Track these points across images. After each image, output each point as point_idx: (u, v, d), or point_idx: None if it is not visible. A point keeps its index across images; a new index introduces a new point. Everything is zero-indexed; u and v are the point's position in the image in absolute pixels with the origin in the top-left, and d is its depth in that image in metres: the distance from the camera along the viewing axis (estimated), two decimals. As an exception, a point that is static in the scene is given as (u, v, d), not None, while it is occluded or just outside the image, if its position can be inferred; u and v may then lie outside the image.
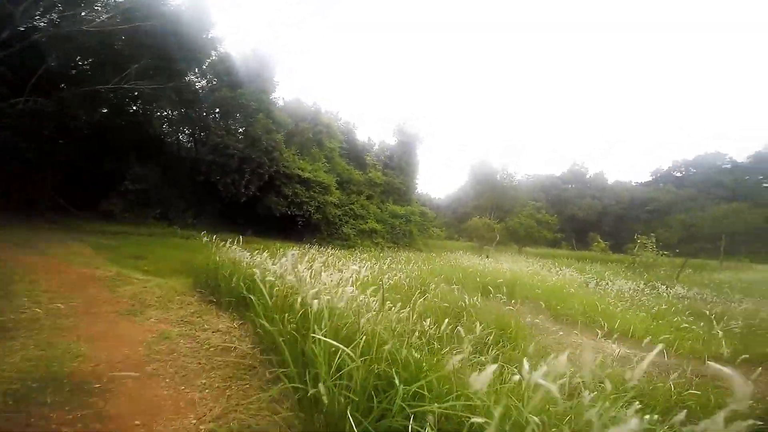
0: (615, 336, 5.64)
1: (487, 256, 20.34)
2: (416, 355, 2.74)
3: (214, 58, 22.79)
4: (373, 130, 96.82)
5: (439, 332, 3.79)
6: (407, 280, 8.49)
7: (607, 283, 14.28)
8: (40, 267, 8.09)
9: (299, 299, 3.07)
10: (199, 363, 3.56)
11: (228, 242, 6.28)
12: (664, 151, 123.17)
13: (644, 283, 14.52)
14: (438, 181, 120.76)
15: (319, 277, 3.72)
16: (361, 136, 37.49)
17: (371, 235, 25.67)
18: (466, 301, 6.62)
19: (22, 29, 14.80)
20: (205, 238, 6.55)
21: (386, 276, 7.60)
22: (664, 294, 12.89)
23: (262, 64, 23.94)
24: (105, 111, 20.61)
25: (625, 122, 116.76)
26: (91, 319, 4.46)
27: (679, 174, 72.14)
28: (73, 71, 18.61)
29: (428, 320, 4.18)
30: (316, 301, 2.85)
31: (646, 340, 4.07)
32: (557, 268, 17.26)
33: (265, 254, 5.71)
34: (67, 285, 5.83)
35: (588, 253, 38.20)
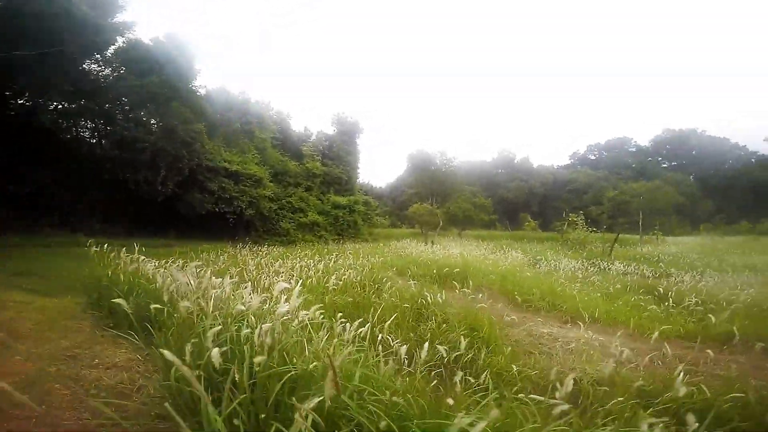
0: (584, 323, 5.58)
1: (433, 242, 20.48)
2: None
3: (121, 44, 19.82)
4: (309, 120, 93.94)
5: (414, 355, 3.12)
6: (358, 277, 7.90)
7: (552, 263, 14.96)
8: None
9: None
10: (80, 420, 2.65)
11: (124, 250, 5.08)
12: (581, 137, 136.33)
13: (585, 261, 15.49)
14: (378, 170, 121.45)
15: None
16: (297, 126, 35.87)
17: (313, 228, 24.59)
18: (428, 298, 6.20)
19: None
20: (93, 247, 5.26)
21: (333, 276, 6.93)
22: (608, 271, 13.73)
23: (178, 50, 21.34)
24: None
25: (548, 110, 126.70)
26: None
27: (593, 157, 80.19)
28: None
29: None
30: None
31: (654, 336, 3.89)
32: (502, 251, 17.84)
33: (179, 262, 4.74)
34: None
35: (521, 233, 40.76)
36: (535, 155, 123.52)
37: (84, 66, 19.24)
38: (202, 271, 3.73)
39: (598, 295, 9.58)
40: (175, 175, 18.80)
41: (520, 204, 59.74)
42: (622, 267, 14.67)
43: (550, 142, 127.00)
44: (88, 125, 21.90)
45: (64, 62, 16.62)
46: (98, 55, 19.51)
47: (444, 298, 6.43)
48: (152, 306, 2.85)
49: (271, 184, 23.50)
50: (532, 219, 45.87)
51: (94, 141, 21.97)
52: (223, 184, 20.20)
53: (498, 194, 57.94)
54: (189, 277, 2.91)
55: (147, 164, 18.24)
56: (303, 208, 25.16)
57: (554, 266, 14.50)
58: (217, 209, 19.84)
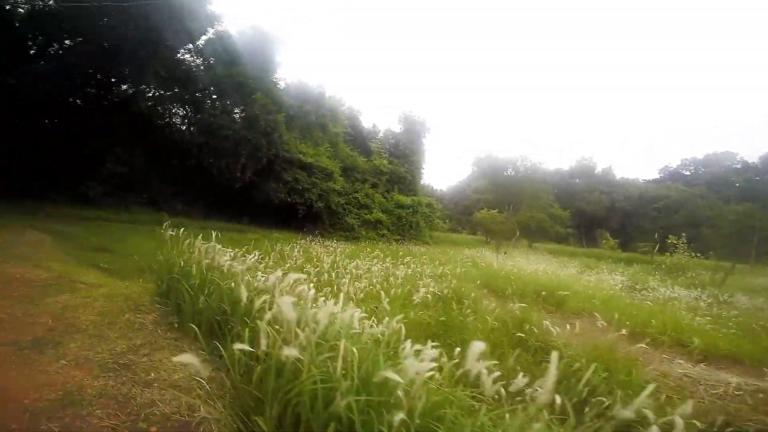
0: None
1: (505, 253, 18.63)
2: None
3: (211, 35, 20.78)
4: (377, 117, 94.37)
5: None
6: (445, 290, 6.71)
7: (660, 290, 12.57)
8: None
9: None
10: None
11: (200, 238, 4.33)
12: (673, 149, 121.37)
13: (699, 290, 12.81)
14: (440, 172, 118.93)
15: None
16: (366, 122, 35.55)
17: (376, 226, 23.88)
18: (554, 329, 4.86)
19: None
20: (169, 231, 4.62)
21: (421, 287, 5.81)
22: (730, 303, 11.20)
23: (263, 42, 21.89)
24: (91, 89, 18.73)
25: (635, 118, 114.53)
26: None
27: (687, 172, 70.53)
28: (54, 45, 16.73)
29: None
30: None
31: None
32: (590, 270, 15.54)
33: (255, 255, 3.91)
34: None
35: (597, 250, 36.62)
36: (619, 166, 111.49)
37: (178, 54, 20.44)
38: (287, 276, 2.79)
39: (731, 331, 7.62)
40: (255, 163, 19.11)
41: (599, 218, 54.23)
42: (746, 300, 11.91)
43: (636, 153, 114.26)
44: (180, 112, 23.32)
45: (160, 49, 17.62)
46: (191, 45, 20.58)
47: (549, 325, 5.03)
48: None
49: (341, 178, 23.15)
50: (610, 237, 41.11)
51: (184, 127, 23.36)
52: (297, 175, 20.19)
53: (574, 206, 52.97)
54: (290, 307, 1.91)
55: (229, 152, 18.74)
56: (368, 204, 24.56)
57: (664, 293, 12.12)
58: (289, 200, 19.87)
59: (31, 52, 16.31)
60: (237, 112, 21.50)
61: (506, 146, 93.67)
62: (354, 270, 7.20)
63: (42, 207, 14.37)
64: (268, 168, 19.99)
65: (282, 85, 24.81)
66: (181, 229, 4.98)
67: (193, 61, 21.53)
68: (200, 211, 19.55)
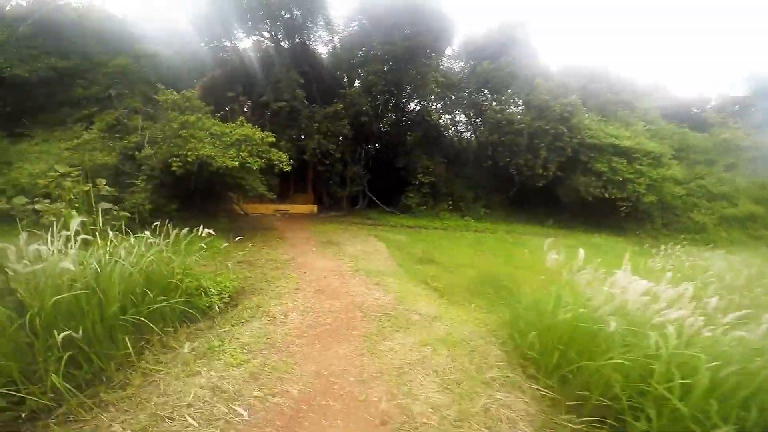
0: None
1: None
2: None
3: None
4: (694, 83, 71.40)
5: None
6: None
7: None
8: (299, 265, 7.20)
9: None
10: None
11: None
12: None
13: None
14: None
15: None
16: (678, 93, 26.47)
17: (745, 223, 15.94)
18: None
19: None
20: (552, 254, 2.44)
21: None
22: None
23: (515, 32, 19.49)
24: (391, 114, 21.58)
25: None
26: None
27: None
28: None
29: None
30: None
31: None
32: None
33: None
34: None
35: None
36: None
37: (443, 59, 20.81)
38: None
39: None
40: (556, 156, 16.43)
41: None
42: None
43: None
44: (462, 118, 23.92)
45: (433, 57, 18.07)
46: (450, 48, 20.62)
47: None
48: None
49: (673, 161, 16.94)
50: None
51: (470, 132, 23.83)
52: (614, 164, 15.95)
53: None
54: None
55: (525, 147, 16.89)
56: (727, 194, 16.85)
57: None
58: (606, 194, 15.85)
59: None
60: (521, 104, 19.64)
61: None
62: None
63: (379, 217, 16.73)
64: (572, 160, 16.74)
65: (553, 68, 21.36)
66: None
67: (458, 63, 21.60)
68: (499, 214, 18.53)
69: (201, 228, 4.98)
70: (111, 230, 4.39)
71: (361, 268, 7.48)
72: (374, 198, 18.41)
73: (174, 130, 8.68)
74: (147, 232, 4.50)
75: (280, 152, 10.06)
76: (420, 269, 8.04)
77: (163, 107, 9.32)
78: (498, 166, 18.32)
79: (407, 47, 15.57)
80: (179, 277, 4.41)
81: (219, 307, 4.59)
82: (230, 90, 12.70)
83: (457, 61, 21.97)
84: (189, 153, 8.35)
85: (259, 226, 12.07)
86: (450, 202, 18.51)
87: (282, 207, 16.16)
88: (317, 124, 14.41)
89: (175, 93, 9.19)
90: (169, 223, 9.42)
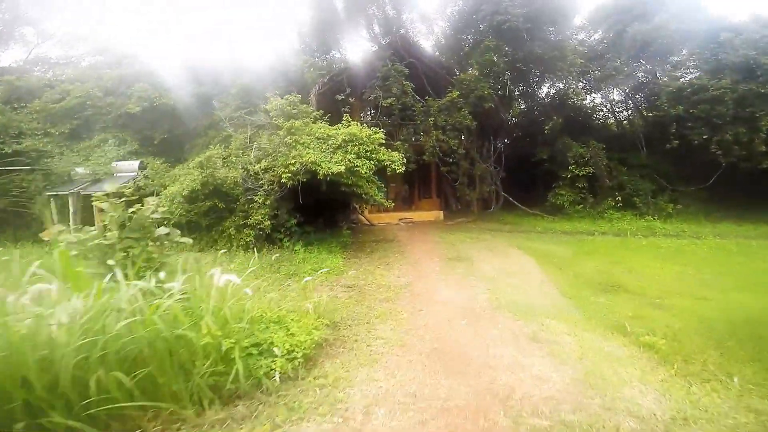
0: None
1: None
2: None
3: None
4: None
5: None
6: None
7: None
8: (415, 295, 5.43)
9: None
10: None
11: None
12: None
13: None
14: None
15: None
16: None
17: None
18: None
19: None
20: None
21: None
22: None
23: None
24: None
25: None
26: None
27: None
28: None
29: None
30: None
31: None
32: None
33: None
34: None
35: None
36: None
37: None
38: None
39: None
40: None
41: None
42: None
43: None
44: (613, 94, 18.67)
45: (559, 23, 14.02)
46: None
47: None
48: None
49: None
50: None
51: (624, 110, 18.60)
52: None
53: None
54: None
55: (732, 117, 11.91)
56: None
57: None
58: None
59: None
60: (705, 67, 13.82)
61: None
62: None
63: (518, 221, 13.66)
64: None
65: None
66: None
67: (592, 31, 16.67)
68: (696, 209, 13.30)
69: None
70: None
71: (504, 300, 5.09)
72: (511, 198, 15.31)
73: (281, 138, 7.98)
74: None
75: (391, 152, 8.44)
76: (603, 303, 5.15)
77: (271, 117, 8.84)
78: (689, 147, 13.09)
79: (525, 15, 12.34)
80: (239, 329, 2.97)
81: (279, 376, 2.96)
82: (338, 93, 11.81)
83: (591, 29, 17.12)
84: (293, 161, 7.45)
85: (381, 237, 10.67)
86: (618, 198, 14.05)
87: (405, 215, 14.69)
88: (433, 118, 12.40)
89: (279, 98, 8.61)
90: (288, 240, 8.86)
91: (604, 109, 19.62)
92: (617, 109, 19.50)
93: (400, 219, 14.13)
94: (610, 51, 15.49)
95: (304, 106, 9.20)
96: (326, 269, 6.51)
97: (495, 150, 15.68)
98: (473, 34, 14.55)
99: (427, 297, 5.32)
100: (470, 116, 12.17)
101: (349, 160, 7.36)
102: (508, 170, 15.32)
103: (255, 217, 8.36)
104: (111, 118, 14.38)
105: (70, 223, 11.92)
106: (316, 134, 8.00)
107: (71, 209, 11.94)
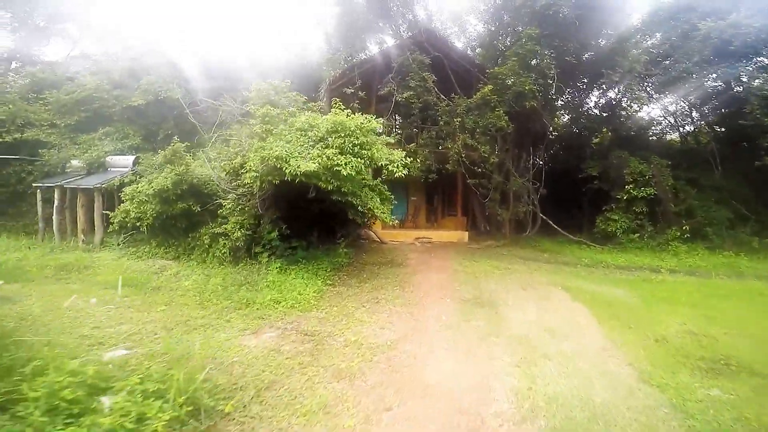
0: None
1: None
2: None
3: None
4: None
5: None
6: None
7: None
8: (395, 369, 3.38)
9: None
10: None
11: None
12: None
13: None
14: None
15: None
16: None
17: None
18: None
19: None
20: None
21: None
22: None
23: None
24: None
25: None
26: None
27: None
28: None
29: None
30: None
31: None
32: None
33: None
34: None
35: None
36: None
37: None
38: None
39: None
40: None
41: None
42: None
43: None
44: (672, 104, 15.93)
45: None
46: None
47: None
48: None
49: None
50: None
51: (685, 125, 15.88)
52: None
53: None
54: None
55: None
56: None
57: None
58: None
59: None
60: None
61: None
62: None
63: (559, 248, 11.36)
64: None
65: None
66: None
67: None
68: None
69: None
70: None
71: (545, 395, 3.09)
72: (550, 221, 12.98)
73: (251, 129, 6.35)
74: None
75: (392, 150, 6.50)
76: (720, 399, 3.06)
77: (249, 105, 7.27)
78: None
79: (575, 3, 10.32)
80: None
81: None
82: (348, 87, 10.04)
83: (647, 31, 14.53)
84: (255, 156, 5.76)
85: (388, 259, 8.73)
86: (685, 228, 11.44)
87: (424, 234, 12.71)
88: (459, 119, 10.42)
89: (263, 83, 7.06)
90: (269, 256, 7.18)
91: (664, 121, 16.99)
92: (681, 122, 16.77)
93: (417, 238, 12.16)
94: (676, 53, 12.97)
95: (295, 93, 7.60)
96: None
97: (534, 161, 13.49)
98: (511, 24, 12.62)
99: (410, 377, 3.37)
100: (506, 117, 10.07)
101: (327, 157, 5.54)
102: (547, 188, 13.02)
103: (227, 226, 6.77)
104: (117, 111, 13.65)
105: (53, 216, 11.13)
106: (296, 125, 6.23)
107: (56, 202, 11.08)
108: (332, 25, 14.24)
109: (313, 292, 5.66)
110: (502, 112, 9.94)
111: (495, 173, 11.20)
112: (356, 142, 5.75)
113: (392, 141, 6.65)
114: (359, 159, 5.69)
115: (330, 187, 5.71)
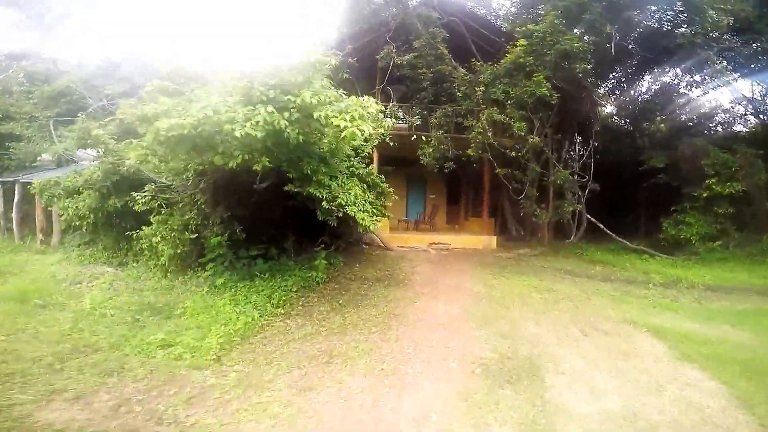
0: None
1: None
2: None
3: None
4: None
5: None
6: None
7: None
8: None
9: None
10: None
11: None
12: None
13: None
14: None
15: None
16: None
17: None
18: None
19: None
20: None
21: None
22: None
23: None
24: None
25: None
26: None
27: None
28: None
29: None
30: None
31: None
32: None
33: None
34: None
35: None
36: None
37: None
38: None
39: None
40: None
41: None
42: None
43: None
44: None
45: None
46: None
47: None
48: None
49: None
50: None
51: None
52: None
53: None
54: None
55: None
56: None
57: None
58: None
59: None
60: None
61: None
62: None
63: (616, 258, 8.81)
64: None
65: None
66: None
67: None
68: None
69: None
70: None
71: None
72: (600, 224, 10.34)
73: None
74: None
75: (365, 104, 4.00)
76: None
77: None
78: None
79: None
80: None
81: None
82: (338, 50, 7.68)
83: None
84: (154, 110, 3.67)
85: (386, 274, 6.45)
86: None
87: (441, 238, 10.45)
88: (483, 88, 8.00)
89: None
90: (218, 266, 5.22)
91: (739, 104, 13.88)
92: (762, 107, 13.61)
93: (432, 243, 9.92)
94: (760, 23, 9.99)
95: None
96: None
97: (581, 148, 10.93)
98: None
99: None
100: (548, 85, 7.51)
101: (260, 119, 3.40)
102: (600, 181, 10.36)
103: (147, 230, 4.90)
104: (94, 102, 12.36)
105: (13, 214, 9.88)
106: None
107: (16, 198, 9.79)
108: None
109: (242, 326, 3.66)
110: (542, 77, 7.43)
111: (531, 162, 8.73)
112: (271, 83, 3.52)
113: (380, 108, 4.44)
114: (283, 112, 3.43)
115: (267, 165, 3.61)
